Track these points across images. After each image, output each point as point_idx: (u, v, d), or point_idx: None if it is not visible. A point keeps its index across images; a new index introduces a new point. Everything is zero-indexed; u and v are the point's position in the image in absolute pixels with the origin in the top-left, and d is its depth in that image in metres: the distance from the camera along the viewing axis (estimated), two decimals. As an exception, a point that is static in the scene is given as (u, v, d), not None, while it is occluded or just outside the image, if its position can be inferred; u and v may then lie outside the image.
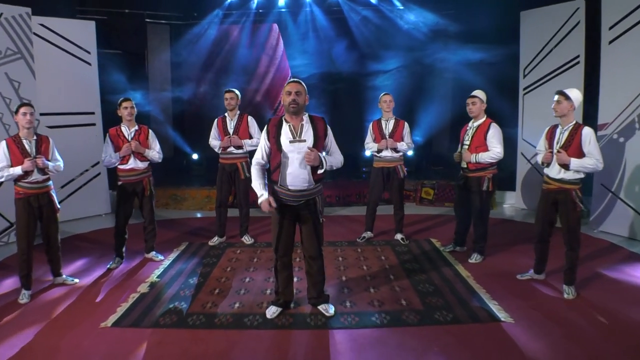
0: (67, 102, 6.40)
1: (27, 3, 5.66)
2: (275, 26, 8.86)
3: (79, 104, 6.53)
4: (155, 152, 4.60)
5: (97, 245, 5.31)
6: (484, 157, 4.34)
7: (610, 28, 5.39)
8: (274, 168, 3.20)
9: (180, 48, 8.78)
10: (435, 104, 8.85)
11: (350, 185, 7.75)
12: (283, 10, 8.70)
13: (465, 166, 4.51)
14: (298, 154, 3.12)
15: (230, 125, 5.08)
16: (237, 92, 5.09)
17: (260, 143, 3.27)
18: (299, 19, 8.72)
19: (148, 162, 4.60)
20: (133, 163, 4.49)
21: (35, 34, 5.87)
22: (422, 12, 8.27)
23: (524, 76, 6.73)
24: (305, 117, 3.23)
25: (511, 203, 7.23)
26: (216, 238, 5.33)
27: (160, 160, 4.65)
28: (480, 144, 4.39)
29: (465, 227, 4.85)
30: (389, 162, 5.19)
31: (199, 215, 7.00)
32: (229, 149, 5.07)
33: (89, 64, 6.60)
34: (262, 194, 3.15)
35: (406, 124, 5.19)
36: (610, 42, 5.40)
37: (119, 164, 4.49)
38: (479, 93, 4.46)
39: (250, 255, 4.89)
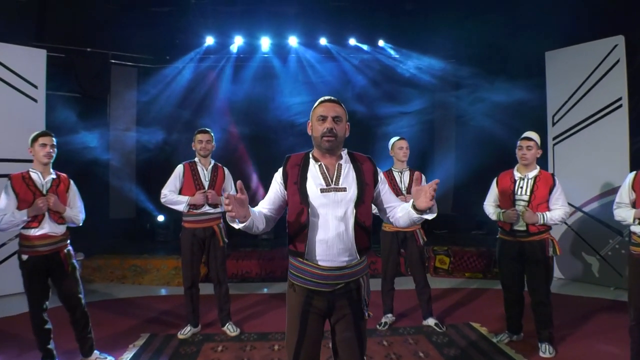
0: (2, 146, 5.18)
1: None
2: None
3: (17, 150, 5.24)
4: (76, 210, 3.35)
5: (15, 342, 3.84)
6: (555, 217, 3.48)
7: (662, 64, 4.76)
8: (295, 232, 2.12)
9: (149, 93, 7.78)
10: (440, 157, 8.13)
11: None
12: (267, 55, 7.93)
13: (524, 228, 3.55)
14: (335, 208, 2.06)
15: (205, 177, 4.00)
16: (211, 132, 4.07)
17: (270, 190, 2.21)
18: (289, 64, 7.99)
19: (66, 226, 3.34)
20: (48, 227, 3.19)
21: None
22: (423, 59, 7.69)
23: (554, 124, 6.02)
24: (344, 155, 2.20)
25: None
26: (188, 328, 4.03)
27: (80, 224, 3.39)
28: (543, 201, 3.54)
29: (521, 308, 3.82)
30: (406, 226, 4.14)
31: (164, 292, 5.64)
32: (202, 208, 3.94)
33: (35, 100, 5.45)
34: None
35: (424, 177, 4.24)
36: (662, 80, 4.76)
37: (23, 228, 3.15)
38: (534, 135, 3.64)
39: (237, 354, 3.60)
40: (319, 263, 2.07)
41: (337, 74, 7.92)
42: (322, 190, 2.08)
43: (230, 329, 4.06)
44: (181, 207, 3.93)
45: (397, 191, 4.13)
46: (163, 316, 4.61)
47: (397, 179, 4.17)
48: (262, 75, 7.93)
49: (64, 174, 3.40)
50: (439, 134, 8.35)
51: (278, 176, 2.19)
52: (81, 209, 3.39)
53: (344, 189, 2.09)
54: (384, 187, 2.24)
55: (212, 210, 3.98)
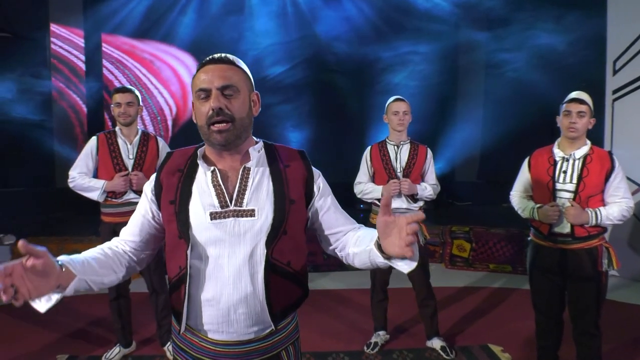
0: None
1: None
2: None
3: None
4: None
5: None
6: (613, 215, 2.77)
7: None
8: (172, 281, 1.51)
9: (100, 27, 7.23)
10: (465, 113, 7.64)
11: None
12: None
13: (568, 231, 2.84)
14: (234, 246, 1.42)
15: (128, 153, 3.36)
16: (136, 92, 3.40)
17: (137, 211, 1.58)
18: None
19: None
20: None
21: None
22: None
23: (615, 72, 5.35)
24: (256, 152, 1.51)
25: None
26: (117, 349, 3.50)
27: None
28: (596, 192, 2.82)
29: (558, 337, 3.14)
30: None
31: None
32: (125, 196, 3.32)
33: None
34: None
35: (429, 152, 3.61)
36: None
37: None
38: (587, 97, 2.85)
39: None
40: (209, 335, 1.47)
41: (327, 3, 7.05)
42: (213, 216, 1.42)
43: (171, 350, 3.50)
44: (95, 196, 3.31)
45: (390, 172, 3.50)
46: (93, 326, 4.06)
47: (392, 156, 3.55)
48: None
49: None
50: (463, 85, 7.76)
51: (148, 187, 1.54)
52: None
53: (252, 213, 1.43)
54: (324, 203, 1.56)
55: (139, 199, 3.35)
